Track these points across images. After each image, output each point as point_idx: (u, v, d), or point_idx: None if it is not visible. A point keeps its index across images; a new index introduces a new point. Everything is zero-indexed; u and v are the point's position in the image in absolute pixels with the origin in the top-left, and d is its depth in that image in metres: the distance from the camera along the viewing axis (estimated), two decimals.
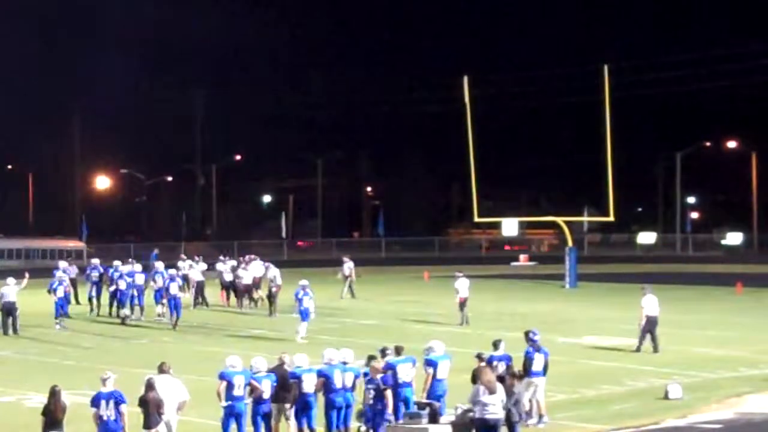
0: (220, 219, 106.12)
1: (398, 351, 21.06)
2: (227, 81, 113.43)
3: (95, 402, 17.89)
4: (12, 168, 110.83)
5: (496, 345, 22.21)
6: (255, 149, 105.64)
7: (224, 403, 19.34)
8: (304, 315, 35.17)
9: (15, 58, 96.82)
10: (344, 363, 20.43)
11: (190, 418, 19.54)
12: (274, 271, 44.50)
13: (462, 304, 39.33)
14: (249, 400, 19.48)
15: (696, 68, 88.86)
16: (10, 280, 37.90)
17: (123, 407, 17.84)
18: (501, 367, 21.08)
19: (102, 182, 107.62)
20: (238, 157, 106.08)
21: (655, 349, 31.88)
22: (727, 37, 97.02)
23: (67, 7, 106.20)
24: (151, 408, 18.25)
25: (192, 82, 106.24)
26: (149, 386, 18.41)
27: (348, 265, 51.52)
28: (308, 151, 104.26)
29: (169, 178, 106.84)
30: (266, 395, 19.54)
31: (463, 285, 39.45)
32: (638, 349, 32.07)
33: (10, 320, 36.92)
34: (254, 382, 19.46)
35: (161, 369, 19.28)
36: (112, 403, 17.77)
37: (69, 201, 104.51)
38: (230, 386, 19.28)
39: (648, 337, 32.19)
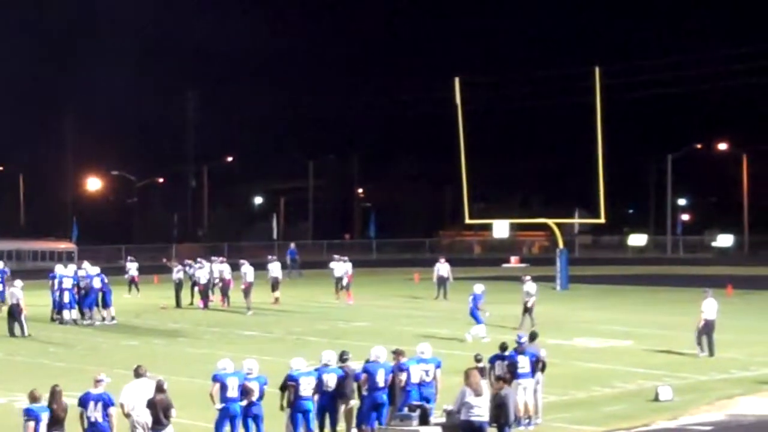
0: (212, 221, 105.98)
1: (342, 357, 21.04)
2: (219, 83, 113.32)
3: (83, 402, 17.87)
4: (2, 169, 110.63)
5: (502, 347, 22.62)
6: (246, 151, 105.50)
7: (218, 405, 19.35)
8: (477, 318, 35.18)
9: (6, 59, 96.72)
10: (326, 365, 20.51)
11: (181, 420, 19.54)
12: (246, 268, 45.08)
13: (531, 308, 38.71)
14: (244, 402, 19.49)
15: (687, 70, 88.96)
16: (18, 283, 38.17)
17: (111, 410, 17.81)
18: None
19: (93, 184, 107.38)
20: (230, 159, 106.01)
21: (711, 353, 31.60)
22: (719, 39, 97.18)
23: (60, 9, 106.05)
24: (158, 410, 18.25)
25: (183, 83, 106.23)
26: (158, 388, 18.42)
27: (444, 267, 51.17)
28: (299, 153, 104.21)
29: (161, 180, 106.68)
30: (254, 397, 19.55)
31: (532, 288, 39.06)
32: (707, 353, 31.70)
33: (15, 322, 37.05)
34: (248, 384, 19.48)
35: (137, 373, 19.24)
36: (100, 405, 17.76)
37: (60, 202, 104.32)
38: (224, 388, 19.29)
39: (704, 340, 31.89)
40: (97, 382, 18.07)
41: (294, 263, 63.96)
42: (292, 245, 66.59)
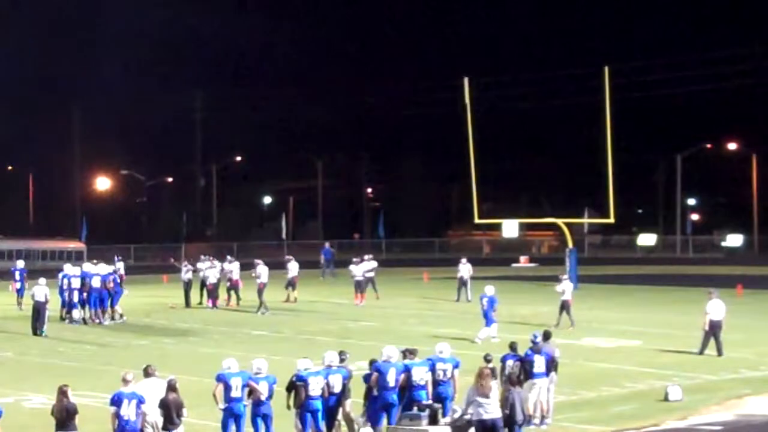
0: (221, 220, 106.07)
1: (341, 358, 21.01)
2: (228, 81, 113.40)
3: (116, 401, 17.85)
4: (12, 168, 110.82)
5: (512, 347, 22.63)
6: (255, 150, 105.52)
7: (222, 405, 19.33)
8: (488, 319, 35.20)
9: (15, 58, 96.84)
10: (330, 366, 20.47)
11: (190, 419, 19.56)
12: (261, 269, 45.22)
13: (566, 307, 38.84)
14: (248, 402, 19.48)
15: (696, 70, 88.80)
16: (42, 281, 38.32)
17: (144, 408, 17.85)
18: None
19: (102, 183, 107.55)
20: (239, 158, 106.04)
21: (719, 353, 31.65)
22: (728, 39, 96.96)
23: (67, 8, 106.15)
24: (171, 409, 18.24)
25: (192, 82, 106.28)
26: (171, 387, 18.42)
27: (465, 267, 50.51)
28: (308, 153, 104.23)
29: (170, 179, 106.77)
30: (263, 397, 19.52)
31: (568, 288, 39.18)
32: (701, 353, 31.82)
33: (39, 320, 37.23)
34: (252, 384, 19.44)
35: (147, 372, 19.27)
36: (134, 403, 17.78)
37: (69, 202, 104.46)
38: (227, 388, 19.25)
39: (712, 340, 31.89)
40: (126, 381, 18.08)
41: (329, 263, 63.99)
42: (327, 244, 66.53)
